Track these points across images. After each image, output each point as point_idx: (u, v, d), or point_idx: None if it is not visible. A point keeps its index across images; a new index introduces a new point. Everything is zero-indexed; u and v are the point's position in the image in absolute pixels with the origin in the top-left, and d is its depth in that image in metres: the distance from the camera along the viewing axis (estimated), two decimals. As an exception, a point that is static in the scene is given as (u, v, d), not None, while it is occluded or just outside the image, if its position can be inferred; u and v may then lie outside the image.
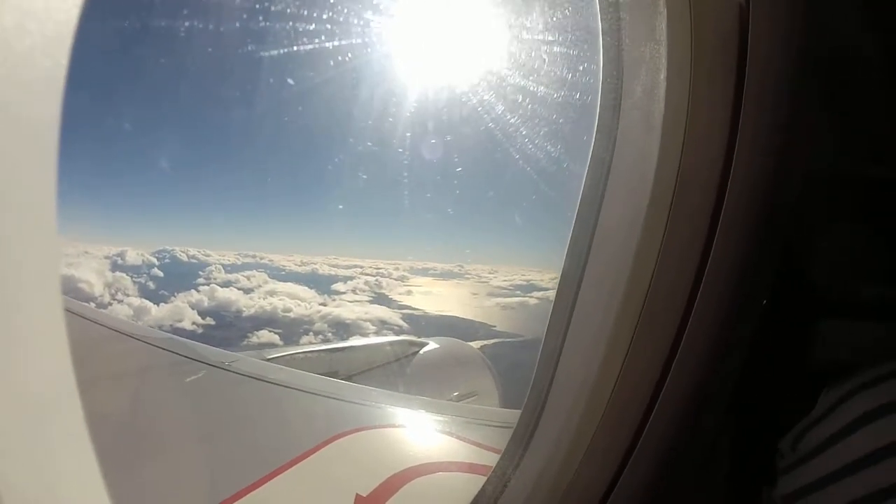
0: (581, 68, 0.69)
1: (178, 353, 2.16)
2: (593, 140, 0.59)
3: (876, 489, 0.51)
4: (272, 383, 1.94)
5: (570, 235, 0.62)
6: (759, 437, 0.68)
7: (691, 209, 0.53)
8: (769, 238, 0.56)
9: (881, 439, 0.52)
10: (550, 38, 0.87)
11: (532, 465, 0.63)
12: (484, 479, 0.68)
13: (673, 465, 0.58)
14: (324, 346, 2.88)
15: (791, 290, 0.67)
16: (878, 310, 0.65)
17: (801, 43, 0.52)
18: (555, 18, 0.82)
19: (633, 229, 0.54)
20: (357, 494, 1.31)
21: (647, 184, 0.53)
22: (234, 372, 2.00)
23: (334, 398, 1.88)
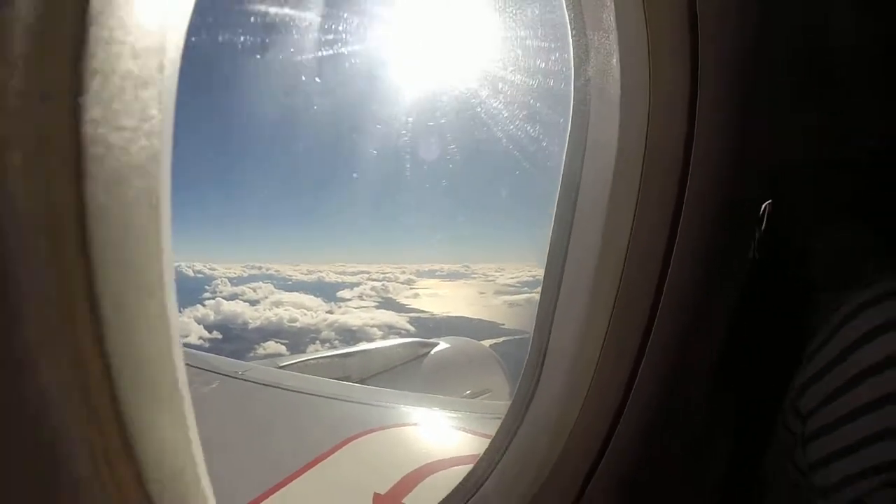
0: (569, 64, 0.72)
1: (190, 365, 2.18)
2: (569, 127, 0.63)
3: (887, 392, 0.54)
4: (286, 389, 1.96)
5: (553, 217, 0.66)
6: (747, 400, 0.70)
7: (659, 184, 0.56)
8: (735, 210, 0.60)
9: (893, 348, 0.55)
10: (546, 36, 0.89)
11: (526, 435, 0.67)
12: None
13: (657, 435, 0.62)
14: (335, 352, 2.90)
15: (760, 265, 0.70)
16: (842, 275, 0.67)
17: (753, 20, 0.54)
18: (546, 17, 0.85)
19: (607, 205, 0.59)
20: (375, 493, 1.32)
21: (615, 164, 0.58)
22: (247, 380, 2.02)
23: (348, 401, 1.90)
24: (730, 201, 0.59)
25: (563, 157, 0.65)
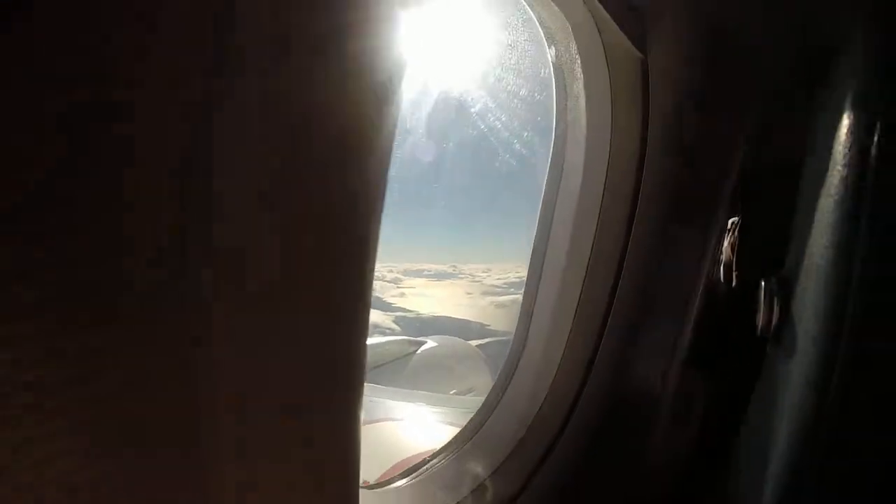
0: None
1: None
2: (550, 155, 0.84)
3: None
4: None
5: (536, 228, 0.86)
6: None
7: (616, 203, 0.76)
8: (681, 221, 0.77)
9: None
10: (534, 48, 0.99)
11: (502, 411, 0.87)
12: None
13: (613, 412, 0.79)
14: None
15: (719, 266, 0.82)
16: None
17: (699, 58, 0.72)
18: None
19: (574, 220, 0.79)
20: (364, 481, 1.38)
21: (580, 187, 0.79)
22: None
23: None
24: (676, 213, 0.76)
25: (545, 180, 0.84)
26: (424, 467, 0.84)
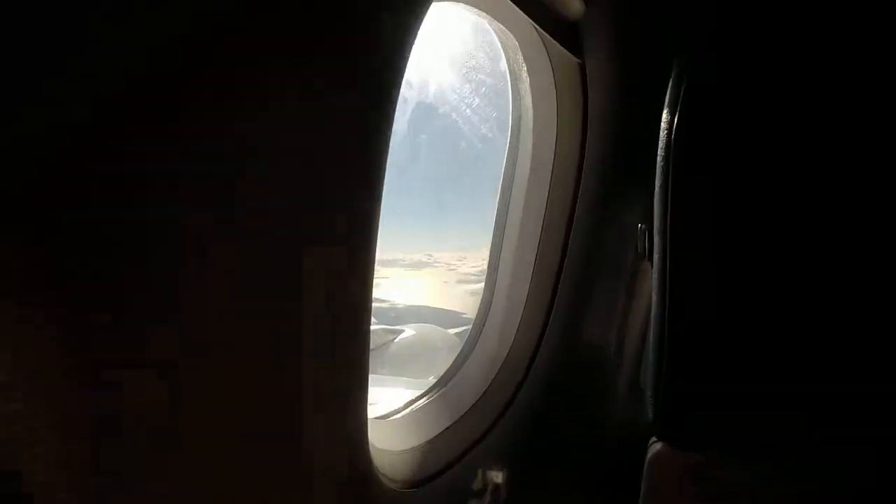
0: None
1: None
2: (508, 141, 0.96)
3: None
4: None
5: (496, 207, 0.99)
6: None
7: (562, 180, 0.89)
8: (616, 195, 0.92)
9: None
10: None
11: (470, 366, 1.05)
12: None
13: (564, 366, 0.95)
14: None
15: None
16: None
17: (619, 79, 0.87)
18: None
19: (525, 195, 0.91)
20: None
21: (529, 166, 0.90)
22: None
23: None
24: (612, 188, 0.91)
25: (504, 164, 0.94)
26: (408, 408, 0.99)
